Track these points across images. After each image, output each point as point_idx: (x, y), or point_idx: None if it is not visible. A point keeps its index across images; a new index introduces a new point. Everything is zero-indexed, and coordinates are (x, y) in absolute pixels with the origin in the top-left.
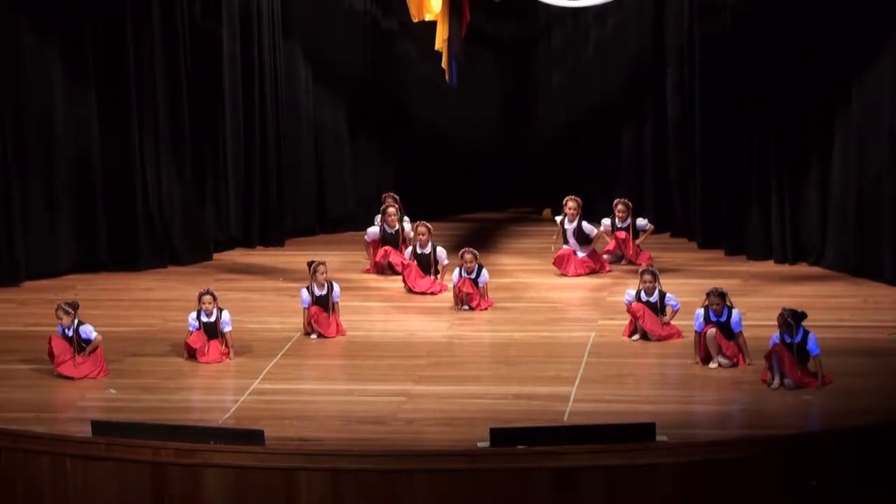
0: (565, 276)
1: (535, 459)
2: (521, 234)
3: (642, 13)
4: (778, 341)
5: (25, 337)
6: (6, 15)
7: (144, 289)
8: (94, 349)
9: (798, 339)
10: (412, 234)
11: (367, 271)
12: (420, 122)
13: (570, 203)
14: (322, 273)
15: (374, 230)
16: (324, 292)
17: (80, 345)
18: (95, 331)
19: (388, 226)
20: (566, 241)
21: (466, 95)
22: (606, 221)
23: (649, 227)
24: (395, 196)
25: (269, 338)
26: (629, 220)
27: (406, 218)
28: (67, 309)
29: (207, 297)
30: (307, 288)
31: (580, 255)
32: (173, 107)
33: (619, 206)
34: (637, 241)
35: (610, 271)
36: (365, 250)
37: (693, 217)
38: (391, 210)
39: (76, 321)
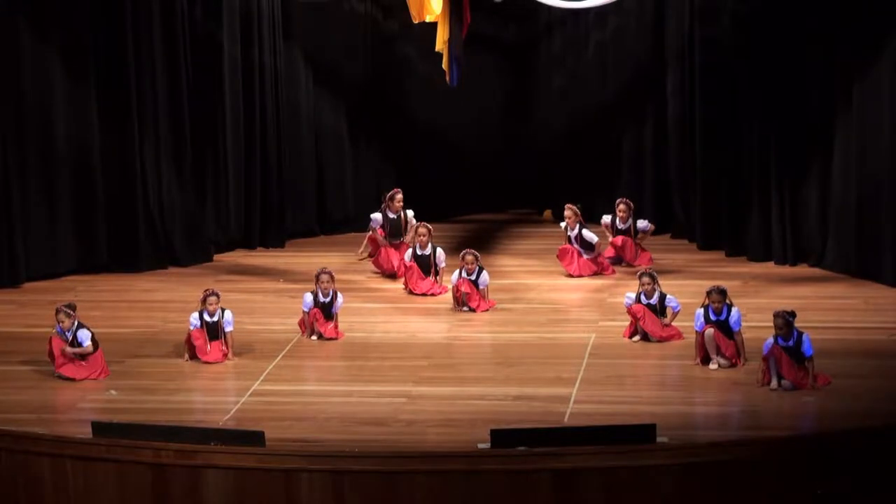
0: (567, 272)
1: (535, 461)
2: (522, 236)
3: (642, 15)
4: (773, 344)
5: (26, 338)
6: (6, 15)
7: (145, 290)
8: (83, 357)
9: (792, 342)
10: (412, 222)
11: (373, 261)
12: (420, 124)
13: (566, 212)
14: (326, 282)
15: (377, 216)
16: (327, 300)
17: (77, 347)
18: (92, 339)
19: (391, 211)
20: (570, 244)
21: (467, 97)
22: (607, 218)
23: (650, 227)
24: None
25: (269, 339)
26: (630, 221)
27: (410, 211)
28: (69, 311)
29: (213, 298)
30: (312, 293)
31: (584, 256)
32: (174, 108)
33: (621, 206)
34: (637, 240)
35: (614, 273)
36: (365, 242)
37: (693, 218)
38: (398, 196)
39: (76, 323)
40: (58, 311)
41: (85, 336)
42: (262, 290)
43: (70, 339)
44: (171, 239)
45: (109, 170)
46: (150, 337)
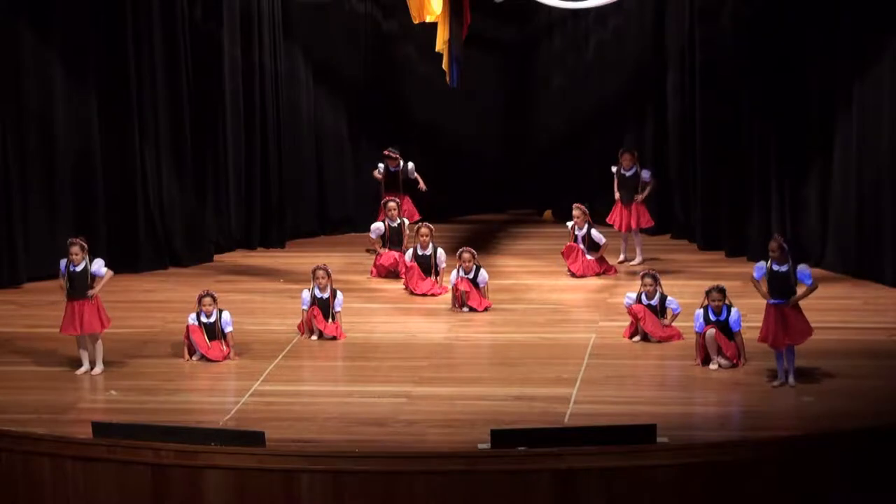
0: (571, 270)
1: (535, 461)
2: (522, 236)
3: (643, 15)
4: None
5: (26, 338)
6: (6, 15)
7: (145, 290)
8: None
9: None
10: (414, 175)
11: (372, 274)
12: (420, 124)
13: (575, 211)
14: (321, 277)
15: (378, 226)
16: (325, 295)
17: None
18: (104, 267)
19: (390, 220)
20: (576, 243)
21: (467, 97)
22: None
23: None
24: (394, 154)
25: (269, 339)
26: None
27: (411, 164)
28: (84, 244)
29: (208, 300)
30: (309, 290)
31: (589, 256)
32: (174, 108)
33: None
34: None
35: (616, 273)
36: (372, 246)
37: (693, 218)
38: (391, 204)
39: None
40: (72, 244)
41: (99, 265)
42: (262, 290)
43: (80, 270)
44: (171, 239)
45: (109, 170)
46: (150, 337)
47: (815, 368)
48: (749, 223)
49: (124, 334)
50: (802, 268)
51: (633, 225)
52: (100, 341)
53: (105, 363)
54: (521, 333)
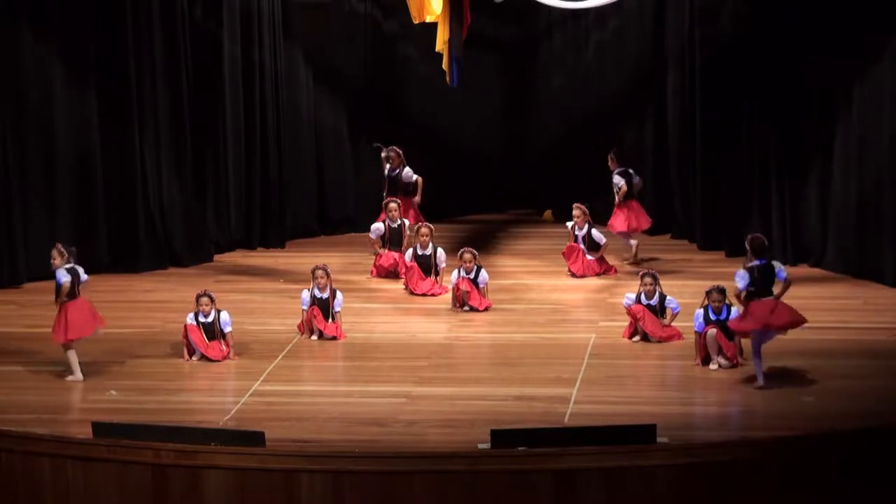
0: (571, 270)
1: (535, 461)
2: (522, 236)
3: (643, 15)
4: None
5: (26, 338)
6: (6, 15)
7: (145, 290)
8: (63, 295)
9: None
10: (413, 178)
11: (372, 274)
12: (420, 124)
13: (575, 211)
14: (320, 277)
15: (378, 226)
16: (325, 295)
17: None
18: (63, 277)
19: (391, 220)
20: (576, 243)
21: (467, 97)
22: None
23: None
24: (398, 151)
25: (269, 339)
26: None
27: (409, 169)
28: (63, 250)
29: (205, 300)
30: (309, 290)
31: (589, 257)
32: (174, 108)
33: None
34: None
35: (616, 273)
36: (371, 248)
37: (693, 218)
38: (392, 205)
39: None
40: (55, 248)
41: (61, 275)
42: (262, 290)
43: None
44: (171, 239)
45: (109, 170)
46: (150, 337)
47: (815, 368)
48: (749, 223)
49: (124, 334)
50: (735, 311)
51: (609, 226)
52: (72, 350)
53: (105, 363)
54: (521, 333)
